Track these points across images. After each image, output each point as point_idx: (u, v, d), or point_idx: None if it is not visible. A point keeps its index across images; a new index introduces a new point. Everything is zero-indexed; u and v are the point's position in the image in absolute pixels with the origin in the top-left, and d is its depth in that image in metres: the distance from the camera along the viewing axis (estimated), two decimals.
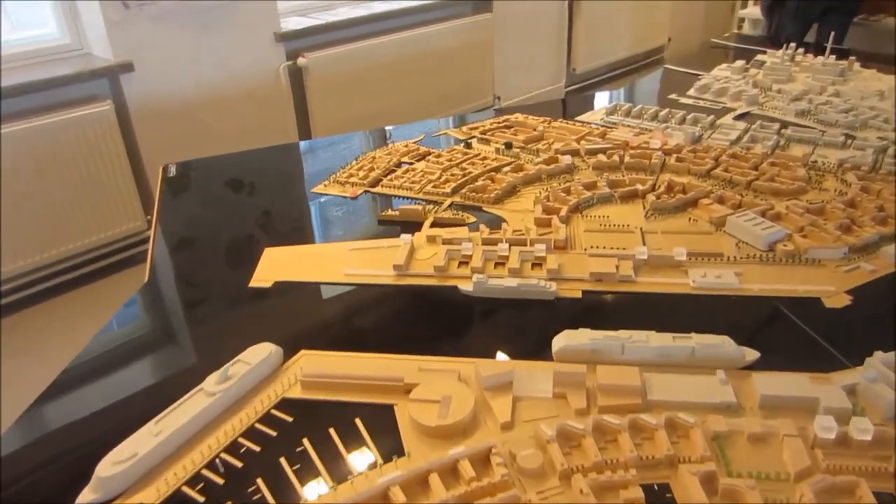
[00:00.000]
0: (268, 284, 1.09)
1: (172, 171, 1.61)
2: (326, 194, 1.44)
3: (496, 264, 1.11)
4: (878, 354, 0.83)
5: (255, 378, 0.86)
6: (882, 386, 0.79)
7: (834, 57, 2.24)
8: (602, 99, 2.18)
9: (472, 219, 1.28)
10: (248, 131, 2.90)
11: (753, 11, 3.89)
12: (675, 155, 1.49)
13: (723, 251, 1.13)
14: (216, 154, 1.72)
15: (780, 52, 2.31)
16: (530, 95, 4.39)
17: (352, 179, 1.46)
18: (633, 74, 5.13)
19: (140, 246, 2.71)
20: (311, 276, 1.11)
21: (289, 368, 0.89)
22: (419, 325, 1.01)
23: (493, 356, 0.91)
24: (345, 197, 1.41)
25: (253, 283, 1.10)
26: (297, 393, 0.85)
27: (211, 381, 0.83)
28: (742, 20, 4.28)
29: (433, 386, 0.81)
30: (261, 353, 0.88)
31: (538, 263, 1.10)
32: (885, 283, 1.04)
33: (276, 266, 1.15)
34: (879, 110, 1.75)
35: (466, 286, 1.05)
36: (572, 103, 3.30)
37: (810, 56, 2.29)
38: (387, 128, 1.90)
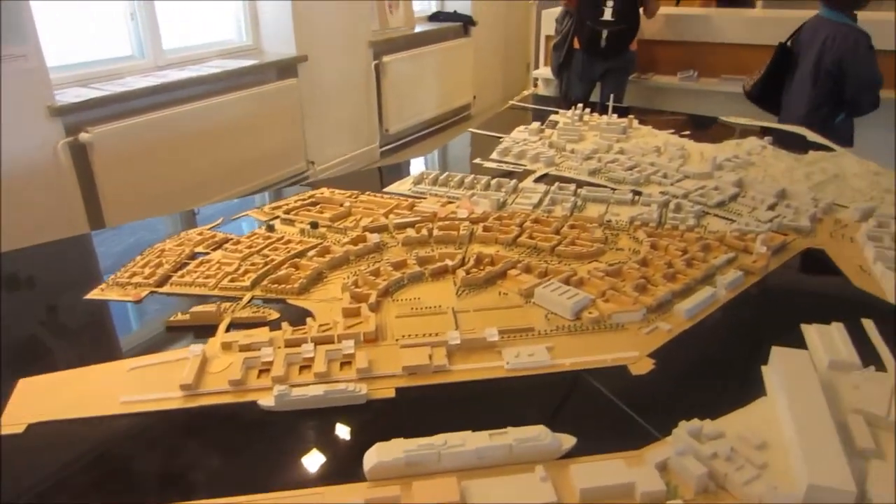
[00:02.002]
0: (20, 429, 0.90)
1: None
2: (104, 300, 1.25)
3: (301, 368, 1.01)
4: (683, 425, 0.84)
5: None
6: (691, 459, 0.79)
7: (616, 115, 2.44)
8: (416, 164, 2.18)
9: (275, 315, 1.17)
10: (22, 224, 2.54)
11: (545, 71, 4.19)
12: (482, 224, 1.49)
13: (533, 325, 1.12)
14: None
15: (570, 112, 2.47)
16: (346, 158, 4.37)
17: (135, 279, 1.29)
18: (445, 131, 5.32)
19: None
20: (78, 410, 0.93)
21: None
22: (214, 458, 0.87)
23: (300, 484, 0.80)
24: (126, 302, 1.24)
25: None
26: None
27: None
28: (536, 80, 4.60)
29: None
30: None
31: (348, 362, 1.02)
32: (681, 343, 1.09)
33: (32, 402, 0.95)
34: (659, 166, 1.90)
35: (267, 400, 0.93)
36: (389, 166, 3.30)
37: (596, 115, 2.47)
38: (195, 209, 1.74)
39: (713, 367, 1.04)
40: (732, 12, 4.12)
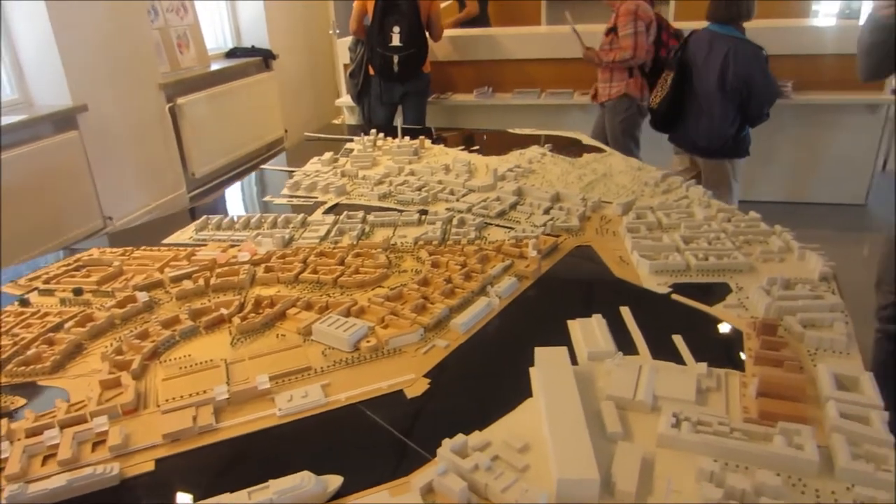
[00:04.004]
0: None
1: None
2: None
3: (46, 458, 0.90)
4: (447, 443, 0.85)
5: None
6: (452, 477, 0.80)
7: (409, 137, 2.49)
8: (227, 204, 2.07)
9: (21, 402, 1.04)
10: None
11: (348, 100, 4.21)
12: (264, 265, 1.44)
13: (311, 363, 1.09)
14: None
15: (364, 138, 2.49)
16: (150, 208, 4.09)
17: None
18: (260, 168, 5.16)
19: None
20: None
21: None
22: None
23: None
24: None
25: None
26: None
27: None
28: (343, 109, 4.61)
29: None
30: None
31: (102, 440, 0.92)
32: (457, 358, 1.11)
33: None
34: (446, 183, 1.96)
35: None
36: (199, 208, 3.13)
37: (390, 139, 2.51)
38: None
39: (487, 377, 1.07)
40: (516, 31, 4.39)
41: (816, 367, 1.01)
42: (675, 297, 1.29)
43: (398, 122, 3.86)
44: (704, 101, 2.85)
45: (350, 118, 4.36)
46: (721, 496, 0.76)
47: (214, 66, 4.80)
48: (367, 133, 2.55)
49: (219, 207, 2.10)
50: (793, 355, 1.04)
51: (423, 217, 1.71)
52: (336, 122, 5.02)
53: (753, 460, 0.83)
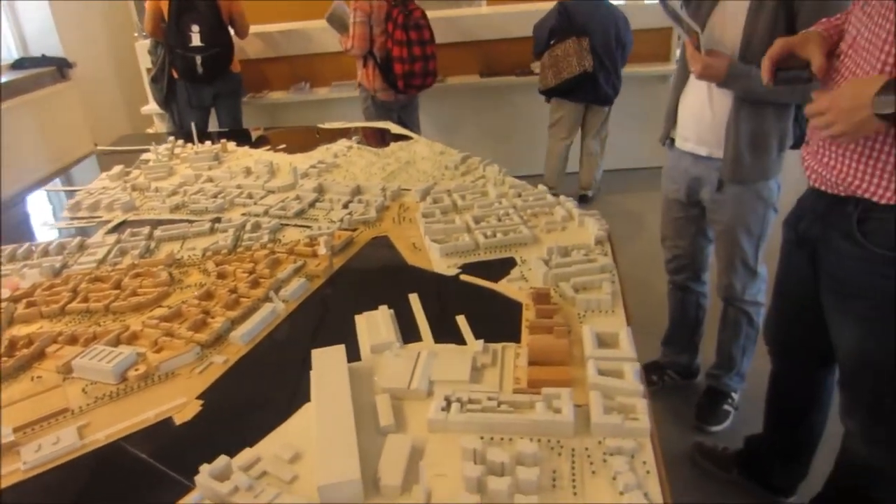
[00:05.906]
0: None
1: None
2: None
3: None
4: (205, 468, 0.80)
5: None
6: None
7: (210, 142, 2.36)
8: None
9: None
10: None
11: (155, 107, 3.94)
12: (25, 300, 1.29)
13: (69, 404, 0.99)
14: None
15: (161, 147, 2.33)
16: None
17: None
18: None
19: None
20: None
21: None
22: None
23: None
24: None
25: None
26: None
27: None
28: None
29: None
30: None
31: None
32: (236, 373, 1.05)
33: None
34: (245, 186, 1.88)
35: None
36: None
37: (189, 146, 2.36)
38: None
39: (266, 388, 1.02)
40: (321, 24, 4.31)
41: (582, 329, 1.06)
42: (463, 277, 1.31)
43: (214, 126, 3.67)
44: (607, 57, 3.53)
45: (161, 126, 4.08)
46: (481, 472, 0.77)
47: None
48: (186, 141, 2.39)
49: (20, 236, 1.86)
50: (563, 321, 1.09)
51: (217, 225, 1.62)
52: (150, 131, 4.69)
53: (517, 430, 0.86)
